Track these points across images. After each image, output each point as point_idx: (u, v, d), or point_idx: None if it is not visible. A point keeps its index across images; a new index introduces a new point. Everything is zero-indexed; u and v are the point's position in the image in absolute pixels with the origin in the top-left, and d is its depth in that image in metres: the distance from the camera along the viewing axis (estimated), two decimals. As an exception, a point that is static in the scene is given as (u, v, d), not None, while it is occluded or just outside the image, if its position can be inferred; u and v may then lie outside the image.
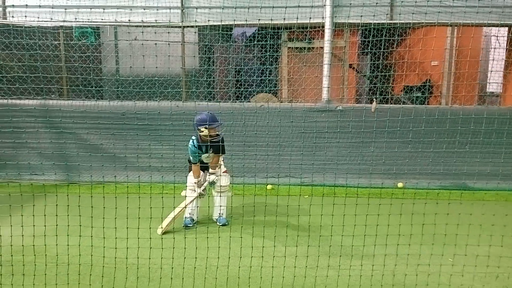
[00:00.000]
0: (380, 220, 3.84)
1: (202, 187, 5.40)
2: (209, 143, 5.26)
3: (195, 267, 3.93)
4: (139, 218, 3.79)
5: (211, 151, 5.37)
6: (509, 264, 3.86)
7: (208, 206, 5.53)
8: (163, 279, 3.80)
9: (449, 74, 8.91)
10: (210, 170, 5.48)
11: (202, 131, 5.20)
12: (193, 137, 5.36)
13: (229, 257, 4.02)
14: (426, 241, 4.05)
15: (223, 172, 5.57)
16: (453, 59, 8.80)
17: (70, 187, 6.83)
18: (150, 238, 3.95)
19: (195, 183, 5.40)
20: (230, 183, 5.66)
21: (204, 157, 5.44)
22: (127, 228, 3.77)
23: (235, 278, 3.84)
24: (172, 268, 3.88)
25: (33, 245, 3.78)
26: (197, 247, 4.19)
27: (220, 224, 5.57)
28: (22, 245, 3.78)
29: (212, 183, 5.43)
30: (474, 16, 7.43)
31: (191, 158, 5.41)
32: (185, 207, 5.37)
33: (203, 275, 3.92)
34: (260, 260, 4.06)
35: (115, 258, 3.86)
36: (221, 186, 5.49)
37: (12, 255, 4.03)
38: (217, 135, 5.26)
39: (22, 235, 3.77)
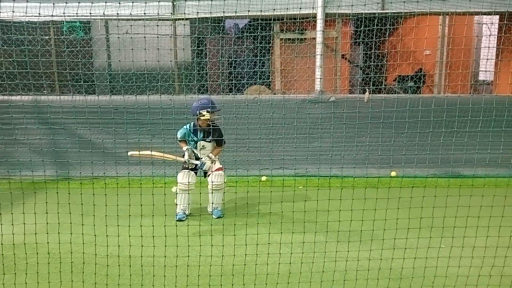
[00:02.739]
0: (376, 212, 3.83)
1: (191, 161, 5.41)
2: (207, 131, 5.36)
3: (187, 264, 3.91)
4: (129, 215, 3.76)
5: (207, 140, 5.45)
6: (505, 254, 3.87)
7: (200, 204, 5.52)
8: (157, 274, 3.79)
9: (441, 63, 8.89)
10: (211, 155, 5.49)
11: (204, 115, 5.28)
12: (191, 122, 5.47)
13: (222, 254, 4.01)
14: (423, 232, 4.04)
15: (218, 169, 5.55)
16: (445, 48, 8.78)
17: (61, 183, 6.79)
18: (141, 236, 3.92)
19: (185, 150, 5.41)
20: (225, 181, 5.66)
21: (200, 144, 5.46)
22: (117, 225, 3.74)
23: (229, 270, 3.84)
24: (165, 265, 3.87)
25: (25, 243, 3.76)
26: (190, 240, 4.16)
27: (215, 217, 5.58)
28: (13, 243, 3.76)
29: (202, 164, 5.42)
30: (466, 4, 7.41)
31: (178, 134, 5.47)
32: (164, 157, 5.37)
33: (197, 268, 3.91)
34: (254, 250, 4.05)
35: (107, 255, 3.84)
36: (213, 183, 5.45)
37: (3, 254, 4.00)
38: (215, 119, 5.40)
39: (13, 234, 3.75)
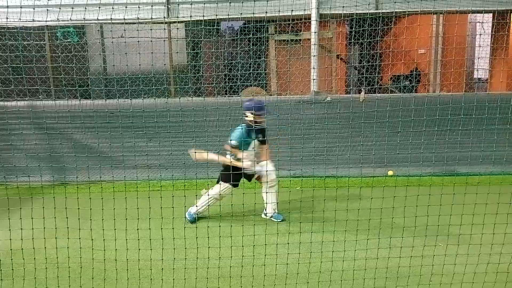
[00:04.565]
0: (372, 212, 3.85)
1: (252, 168, 5.23)
2: (257, 131, 5.28)
3: (185, 267, 3.92)
4: (126, 218, 3.77)
5: (260, 140, 5.38)
6: (501, 251, 3.89)
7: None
8: (154, 277, 3.79)
9: (436, 62, 8.93)
10: (262, 163, 5.36)
11: (247, 116, 5.22)
12: (243, 124, 5.34)
13: (220, 256, 4.02)
14: (419, 231, 4.06)
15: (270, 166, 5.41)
16: (439, 47, 8.82)
17: (57, 188, 6.79)
18: (139, 239, 3.94)
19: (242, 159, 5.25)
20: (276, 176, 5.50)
21: (254, 144, 5.35)
22: (115, 229, 3.75)
23: (227, 272, 3.85)
24: (162, 268, 3.88)
25: (22, 249, 3.76)
26: (187, 243, 4.17)
27: (278, 220, 5.40)
28: (11, 249, 3.76)
29: (259, 173, 5.28)
30: (459, 3, 7.44)
31: (233, 142, 5.23)
32: (220, 160, 5.24)
33: (195, 270, 3.92)
34: (251, 251, 4.06)
35: (104, 259, 3.85)
36: (271, 180, 5.35)
37: (0, 260, 4.00)
38: (262, 122, 5.27)
39: (10, 239, 3.75)
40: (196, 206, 5.46)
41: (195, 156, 4.96)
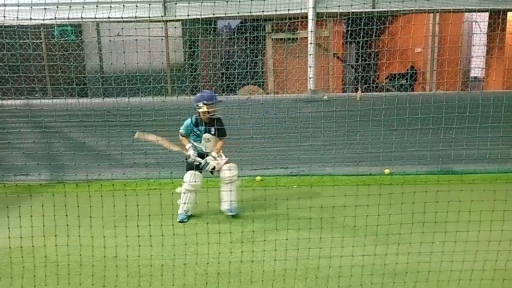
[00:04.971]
0: (369, 209, 3.88)
1: (195, 158, 5.36)
2: (208, 124, 5.37)
3: (184, 264, 3.94)
4: (125, 216, 3.78)
5: (212, 133, 5.42)
6: (498, 248, 3.93)
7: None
8: (154, 274, 3.81)
9: (432, 61, 8.97)
10: (213, 154, 5.41)
11: (200, 107, 5.29)
12: (193, 116, 5.47)
13: (219, 252, 4.04)
14: (416, 228, 4.09)
15: (227, 163, 5.46)
16: (435, 46, 8.87)
17: (56, 186, 6.78)
18: (139, 236, 3.95)
19: (188, 148, 5.42)
20: (237, 173, 5.51)
21: (204, 138, 5.42)
22: (114, 227, 3.77)
23: (226, 269, 3.87)
24: (162, 265, 3.89)
25: (21, 247, 3.76)
26: (186, 240, 4.19)
27: (232, 214, 5.41)
28: (10, 247, 3.76)
29: (206, 164, 5.35)
30: (456, 2, 7.48)
31: (181, 130, 5.46)
32: (169, 147, 5.35)
33: (194, 267, 3.94)
34: (250, 248, 4.08)
35: (104, 257, 3.86)
36: (226, 176, 5.38)
37: (-1, 258, 4.01)
38: (214, 111, 5.36)
39: (9, 237, 3.75)
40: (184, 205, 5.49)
41: (144, 138, 5.21)
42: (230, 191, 5.26)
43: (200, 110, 5.33)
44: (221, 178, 5.44)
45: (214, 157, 5.39)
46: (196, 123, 5.42)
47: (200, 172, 5.43)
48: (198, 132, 5.42)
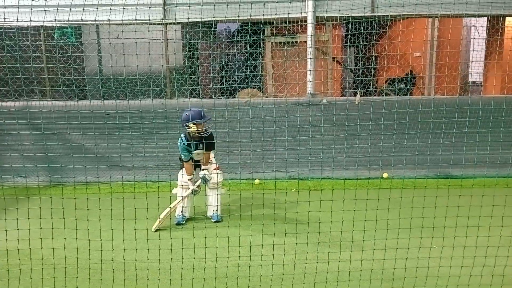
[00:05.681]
0: (367, 213, 3.87)
1: (196, 184, 5.41)
2: (198, 140, 5.28)
3: (181, 267, 3.93)
4: (123, 219, 3.77)
5: (200, 148, 5.39)
6: (496, 253, 3.92)
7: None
8: (151, 278, 3.79)
9: (431, 65, 8.98)
10: (202, 167, 5.47)
11: (190, 127, 5.22)
12: (182, 135, 5.39)
13: (216, 257, 4.03)
14: (414, 233, 4.08)
15: (215, 169, 5.57)
16: (434, 50, 8.88)
17: (54, 188, 6.76)
18: (136, 239, 3.94)
19: (188, 180, 5.42)
20: (222, 179, 5.65)
21: (195, 154, 5.42)
22: (112, 229, 3.75)
23: (223, 273, 3.86)
24: (159, 269, 3.88)
25: (18, 249, 3.75)
26: (184, 243, 4.18)
27: (214, 221, 5.53)
28: (7, 250, 3.75)
29: (205, 180, 5.38)
30: (454, 7, 7.50)
31: (182, 156, 5.43)
32: (177, 204, 5.38)
33: (191, 271, 3.92)
34: (247, 252, 4.08)
35: (101, 260, 3.85)
36: (213, 183, 5.48)
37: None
38: (205, 130, 5.28)
39: (6, 239, 3.74)
40: (181, 207, 5.53)
41: (159, 221, 5.12)
42: (212, 197, 5.47)
43: (190, 130, 5.25)
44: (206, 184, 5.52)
45: (206, 169, 5.45)
46: (187, 141, 5.36)
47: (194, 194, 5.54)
48: (189, 149, 5.40)
